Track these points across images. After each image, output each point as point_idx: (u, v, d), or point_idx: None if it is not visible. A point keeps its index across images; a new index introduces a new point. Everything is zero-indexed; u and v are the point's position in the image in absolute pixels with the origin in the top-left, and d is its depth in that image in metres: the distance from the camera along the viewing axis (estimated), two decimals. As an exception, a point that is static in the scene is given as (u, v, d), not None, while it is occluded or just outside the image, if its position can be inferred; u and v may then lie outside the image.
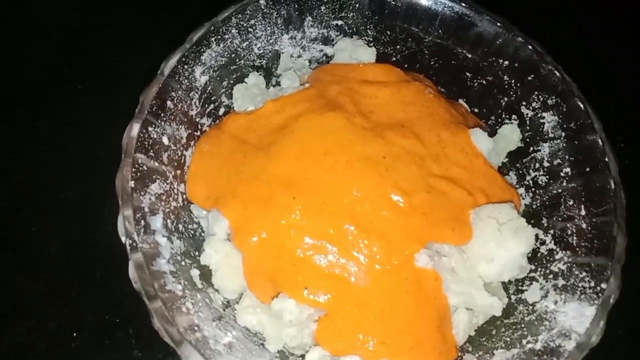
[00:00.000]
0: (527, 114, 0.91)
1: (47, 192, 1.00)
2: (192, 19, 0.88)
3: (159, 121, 0.80)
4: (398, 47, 1.00)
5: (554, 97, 0.87)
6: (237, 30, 0.89)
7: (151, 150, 0.79)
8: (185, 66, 0.84)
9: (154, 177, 0.78)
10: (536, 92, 0.89)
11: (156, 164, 0.79)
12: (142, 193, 0.75)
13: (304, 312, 0.76)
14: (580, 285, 0.76)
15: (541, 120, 0.89)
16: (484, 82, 0.95)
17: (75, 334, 0.91)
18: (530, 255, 0.83)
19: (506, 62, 0.92)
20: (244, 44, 0.92)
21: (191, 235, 0.84)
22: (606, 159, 0.80)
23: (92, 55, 1.16)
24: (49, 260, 0.95)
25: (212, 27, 0.86)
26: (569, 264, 0.79)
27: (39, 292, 0.93)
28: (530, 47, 0.89)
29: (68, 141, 1.05)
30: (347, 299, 0.76)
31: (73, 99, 1.10)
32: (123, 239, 0.71)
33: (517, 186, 0.92)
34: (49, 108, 1.09)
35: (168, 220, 0.79)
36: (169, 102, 0.82)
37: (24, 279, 0.94)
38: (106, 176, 0.78)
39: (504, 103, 0.94)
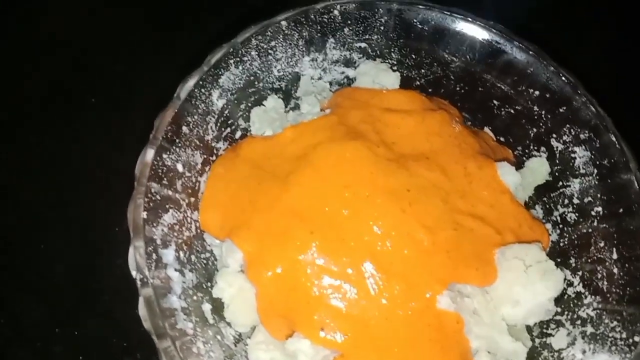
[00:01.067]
0: (557, 147, 0.87)
1: (54, 213, 0.98)
2: (209, 39, 0.85)
3: (174, 147, 0.77)
4: (423, 71, 0.96)
5: (586, 132, 0.83)
6: (256, 53, 0.86)
7: (165, 179, 0.76)
8: (203, 90, 0.81)
9: (167, 206, 0.75)
10: (567, 125, 0.85)
11: (170, 192, 0.76)
12: (154, 224, 0.72)
13: (320, 354, 0.72)
14: (610, 335, 0.72)
15: (572, 155, 0.85)
16: (512, 111, 0.91)
17: (81, 358, 0.88)
18: (557, 296, 0.79)
19: (537, 92, 0.88)
20: (264, 67, 0.88)
21: (203, 265, 0.81)
22: (641, 201, 0.77)
23: (105, 73, 1.13)
24: (54, 283, 0.93)
25: (231, 49, 0.83)
26: (598, 311, 0.75)
27: (43, 315, 0.91)
28: (563, 77, 0.85)
29: (76, 161, 1.03)
30: (364, 342, 0.72)
31: (83, 118, 1.07)
32: (134, 273, 0.68)
33: (544, 221, 0.88)
34: (58, 126, 1.07)
35: (180, 252, 0.76)
36: (184, 128, 0.79)
37: (28, 302, 0.92)
38: (115, 198, 0.76)
39: (532, 134, 0.90)
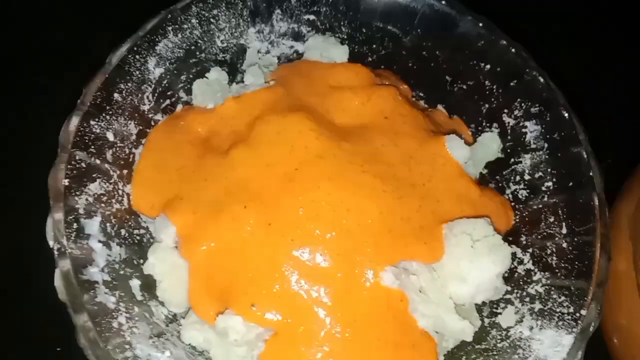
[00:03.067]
0: (508, 123, 0.84)
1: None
2: (148, 8, 0.81)
3: (104, 115, 0.73)
4: (374, 46, 0.93)
5: (537, 105, 0.81)
6: (197, 21, 0.82)
7: (92, 147, 0.71)
8: (137, 56, 0.77)
9: (93, 175, 0.71)
10: (519, 100, 0.83)
11: (97, 161, 0.72)
12: (77, 193, 0.68)
13: (252, 331, 0.68)
14: (558, 310, 0.69)
15: (523, 130, 0.82)
16: (464, 87, 0.89)
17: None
18: (507, 275, 0.76)
19: (488, 66, 0.85)
20: (206, 36, 0.85)
21: (137, 242, 0.76)
22: (591, 174, 0.74)
23: (38, 42, 1.07)
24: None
25: (169, 16, 0.79)
26: (547, 287, 0.72)
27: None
28: (514, 50, 0.82)
29: (4, 138, 0.97)
30: (299, 321, 0.69)
31: (10, 88, 1.02)
32: (51, 243, 0.64)
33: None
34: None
35: (108, 224, 0.71)
36: (116, 95, 0.75)
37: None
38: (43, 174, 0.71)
39: (484, 110, 0.87)
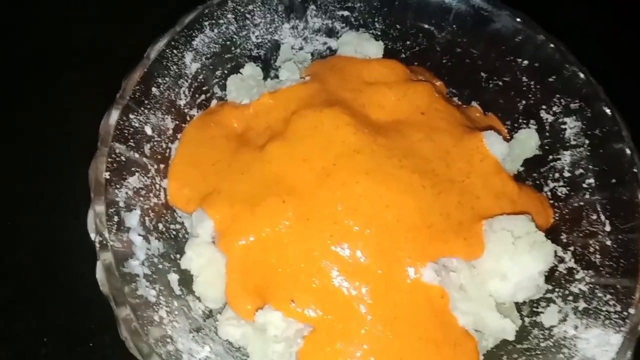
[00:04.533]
0: (546, 119, 0.83)
1: (22, 186, 0.93)
2: (185, 1, 0.81)
3: (142, 109, 0.73)
4: (408, 43, 0.92)
5: (577, 101, 0.79)
6: (233, 16, 0.82)
7: (131, 140, 0.71)
8: (175, 51, 0.77)
9: (132, 169, 0.71)
10: (558, 96, 0.81)
11: (136, 155, 0.72)
12: (117, 186, 0.68)
13: (292, 327, 0.67)
14: (604, 309, 0.68)
15: (562, 126, 0.81)
16: (500, 83, 0.88)
17: (45, 339, 0.83)
18: (547, 274, 0.74)
19: (525, 62, 0.84)
20: (241, 32, 0.85)
21: (173, 236, 0.76)
22: (635, 170, 0.73)
23: (76, 36, 1.08)
24: (18, 261, 0.87)
25: (206, 10, 0.79)
26: (591, 285, 0.71)
27: (3, 294, 0.85)
28: (552, 45, 0.81)
29: (45, 132, 0.97)
30: (339, 316, 0.68)
31: (50, 85, 1.02)
32: (92, 235, 0.64)
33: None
34: (25, 94, 1.01)
35: (146, 218, 0.71)
36: (154, 89, 0.75)
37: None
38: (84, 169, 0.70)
39: (521, 107, 0.86)
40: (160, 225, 0.74)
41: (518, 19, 0.83)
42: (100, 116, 0.71)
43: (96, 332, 0.83)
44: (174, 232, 0.76)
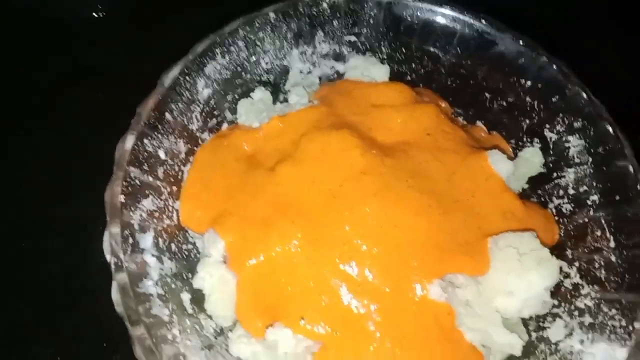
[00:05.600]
0: (550, 138, 0.85)
1: (39, 209, 0.95)
2: (197, 32, 0.84)
3: (156, 134, 0.76)
4: (413, 65, 0.95)
5: (580, 120, 0.81)
6: (244, 43, 0.85)
7: (145, 164, 0.74)
8: (187, 78, 0.80)
9: (146, 192, 0.73)
10: (561, 115, 0.83)
11: (150, 178, 0.74)
12: (132, 209, 0.70)
13: (301, 344, 0.69)
14: (609, 323, 0.68)
15: (566, 145, 0.83)
16: (504, 103, 0.90)
17: (58, 358, 0.84)
18: (553, 289, 0.75)
19: (529, 83, 0.86)
20: (251, 58, 0.88)
21: (185, 257, 0.78)
22: (638, 187, 0.74)
23: (91, 64, 1.12)
24: (38, 282, 0.90)
25: (218, 39, 0.82)
26: (596, 300, 0.72)
27: (26, 318, 0.87)
28: (555, 66, 0.83)
29: (61, 155, 1.00)
30: (348, 334, 0.69)
31: (66, 109, 1.06)
32: (108, 257, 0.66)
33: (539, 215, 0.85)
34: (42, 121, 1.04)
35: (160, 239, 0.73)
36: (167, 115, 0.78)
37: (9, 302, 0.88)
38: (99, 192, 0.73)
39: (525, 126, 0.88)
40: (173, 246, 0.76)
41: (521, 42, 0.85)
42: (113, 140, 0.73)
43: (108, 351, 0.84)
44: (186, 252, 0.79)
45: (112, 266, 0.65)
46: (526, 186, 0.88)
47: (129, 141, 0.73)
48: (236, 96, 0.88)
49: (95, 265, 0.85)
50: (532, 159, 0.85)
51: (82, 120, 1.03)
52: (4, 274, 0.91)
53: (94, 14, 1.19)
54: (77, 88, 1.07)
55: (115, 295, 0.64)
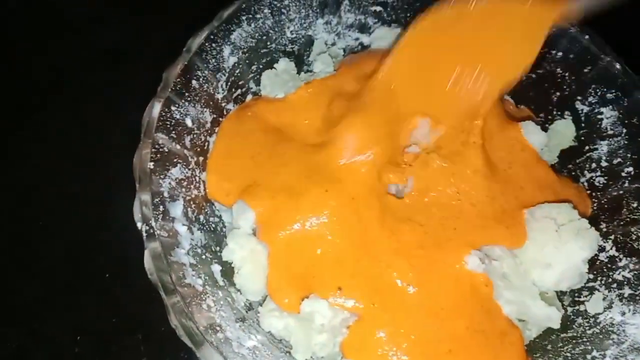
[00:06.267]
0: (582, 110, 0.83)
1: (54, 185, 0.93)
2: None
3: (183, 101, 0.73)
4: (439, 37, 0.92)
5: (613, 91, 0.79)
6: (269, 11, 0.83)
7: (173, 132, 0.71)
8: (214, 44, 0.77)
9: (175, 160, 0.71)
10: (593, 86, 0.81)
11: (178, 146, 0.72)
12: (161, 176, 0.68)
13: (338, 316, 0.67)
14: (651, 294, 0.67)
15: (599, 117, 0.81)
16: (533, 75, 0.88)
17: (79, 338, 0.82)
18: (588, 263, 0.74)
19: (560, 54, 0.84)
20: (276, 27, 0.85)
21: (212, 229, 0.76)
22: (676, 157, 0.73)
23: (110, 31, 1.09)
24: (51, 260, 0.87)
25: (244, 5, 0.79)
26: (636, 272, 0.70)
27: (37, 294, 0.85)
28: (587, 37, 0.81)
29: (76, 131, 0.98)
30: (385, 305, 0.67)
31: (89, 78, 1.03)
32: (139, 225, 0.63)
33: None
34: (56, 95, 1.02)
35: (189, 209, 0.71)
36: (194, 82, 0.75)
37: (22, 279, 0.86)
38: (119, 166, 0.70)
39: (555, 98, 0.86)
40: (201, 217, 0.73)
41: (551, 11, 0.84)
42: (129, 112, 0.71)
43: (127, 330, 0.82)
44: (213, 225, 0.76)
45: (144, 234, 0.63)
46: (556, 160, 0.86)
47: (157, 107, 0.70)
48: (261, 66, 0.86)
49: (111, 244, 0.85)
50: (564, 132, 0.84)
51: (98, 96, 1.00)
52: (28, 250, 0.89)
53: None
54: (91, 71, 1.05)
55: (148, 263, 0.61)
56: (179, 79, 0.73)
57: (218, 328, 0.62)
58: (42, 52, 1.07)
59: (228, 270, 0.72)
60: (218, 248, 0.74)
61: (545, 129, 0.86)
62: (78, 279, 0.87)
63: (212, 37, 0.77)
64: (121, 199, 0.68)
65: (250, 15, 0.81)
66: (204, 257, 0.69)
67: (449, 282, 0.68)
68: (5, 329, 0.83)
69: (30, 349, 0.82)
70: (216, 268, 0.71)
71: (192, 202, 0.72)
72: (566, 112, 0.85)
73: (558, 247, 0.70)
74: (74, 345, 0.82)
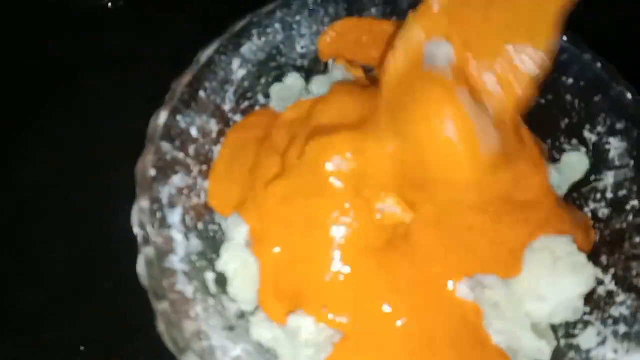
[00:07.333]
0: (590, 139, 0.82)
1: (56, 192, 0.95)
2: (233, 11, 0.83)
3: (189, 111, 0.75)
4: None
5: (623, 121, 0.78)
6: (281, 25, 0.84)
7: (177, 140, 0.73)
8: (223, 57, 0.79)
9: (177, 168, 0.73)
10: (603, 115, 0.80)
11: (181, 155, 0.74)
12: (162, 184, 0.70)
13: (323, 333, 0.68)
14: (646, 333, 0.66)
15: (606, 147, 0.80)
16: (542, 101, 0.87)
17: (82, 348, 0.83)
18: (586, 296, 0.73)
19: (570, 80, 0.83)
20: (287, 41, 0.86)
21: (210, 237, 0.77)
22: (682, 194, 0.71)
23: (118, 37, 1.10)
24: (51, 267, 0.89)
25: (255, 19, 0.81)
26: (633, 309, 0.69)
27: (40, 302, 0.86)
28: (600, 64, 0.80)
29: (80, 137, 1.00)
30: (371, 327, 0.68)
31: (94, 85, 1.04)
32: (135, 230, 0.65)
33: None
34: (60, 99, 1.03)
35: (187, 217, 0.73)
36: (201, 93, 0.77)
37: (23, 287, 0.87)
38: (121, 175, 0.72)
39: (563, 125, 0.85)
40: (200, 225, 0.75)
41: (564, 37, 0.83)
42: (134, 119, 0.73)
43: (130, 339, 0.83)
44: (212, 233, 0.78)
45: (140, 239, 0.64)
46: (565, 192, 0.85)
47: (162, 116, 0.72)
48: (269, 80, 0.87)
49: (112, 251, 0.85)
50: (577, 165, 0.82)
51: (104, 102, 1.02)
52: (18, 259, 0.90)
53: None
54: (97, 78, 1.06)
55: (141, 268, 0.63)
56: (186, 89, 0.75)
57: (203, 336, 0.63)
58: (44, 57, 1.09)
59: (222, 279, 0.74)
60: (215, 256, 0.76)
61: (552, 157, 0.86)
62: (80, 287, 0.87)
63: (221, 49, 0.78)
64: (128, 206, 0.68)
65: (261, 29, 0.82)
66: (198, 264, 0.71)
67: (438, 309, 0.68)
68: (7, 338, 0.84)
69: (33, 358, 0.83)
70: (210, 276, 0.72)
71: (191, 210, 0.74)
72: (573, 140, 0.84)
73: (553, 281, 0.69)
74: (76, 355, 0.83)
